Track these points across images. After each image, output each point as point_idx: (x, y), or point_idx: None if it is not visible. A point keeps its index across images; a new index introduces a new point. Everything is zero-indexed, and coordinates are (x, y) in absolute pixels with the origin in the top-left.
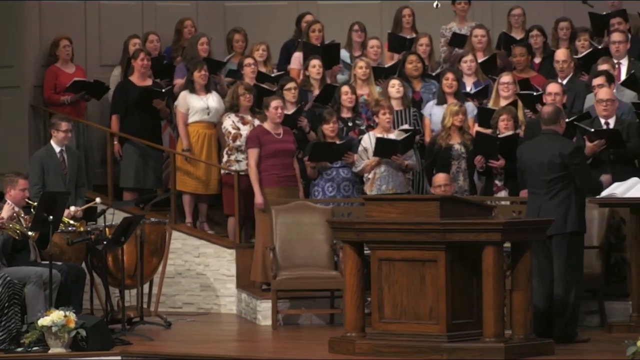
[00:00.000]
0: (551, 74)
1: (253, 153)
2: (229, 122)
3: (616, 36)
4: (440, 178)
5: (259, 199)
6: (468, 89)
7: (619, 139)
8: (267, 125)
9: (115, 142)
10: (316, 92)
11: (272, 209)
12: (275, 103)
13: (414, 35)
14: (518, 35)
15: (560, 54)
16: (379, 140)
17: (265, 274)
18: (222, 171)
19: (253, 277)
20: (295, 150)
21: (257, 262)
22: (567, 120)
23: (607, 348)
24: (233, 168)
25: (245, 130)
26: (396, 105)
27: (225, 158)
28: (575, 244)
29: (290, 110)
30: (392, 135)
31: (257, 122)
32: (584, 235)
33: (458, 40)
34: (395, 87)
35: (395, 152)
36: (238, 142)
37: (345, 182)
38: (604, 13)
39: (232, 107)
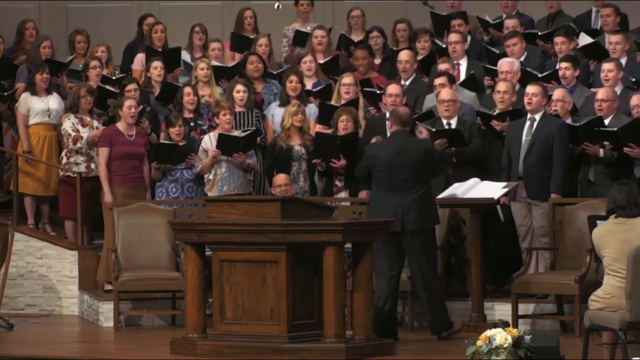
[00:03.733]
0: (391, 75)
1: (103, 152)
2: (69, 124)
3: (453, 37)
4: (280, 178)
5: (108, 198)
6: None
7: (461, 138)
8: (120, 126)
9: None
10: (157, 93)
11: (114, 210)
12: (128, 103)
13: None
14: (358, 36)
15: (403, 54)
16: (221, 137)
17: (109, 274)
18: (60, 173)
19: (99, 277)
20: (146, 153)
21: (103, 263)
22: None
23: (447, 348)
24: (74, 170)
25: (85, 132)
26: (238, 107)
27: (64, 160)
28: (434, 237)
29: None
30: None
31: (95, 124)
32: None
33: (302, 39)
34: (240, 93)
35: (237, 150)
36: (79, 144)
37: (189, 183)
38: (445, 14)
39: (72, 108)
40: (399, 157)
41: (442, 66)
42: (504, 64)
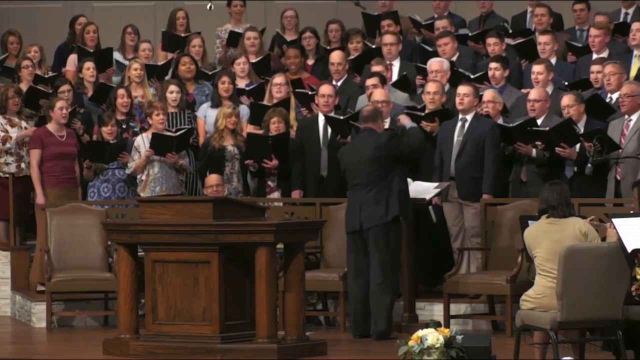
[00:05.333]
0: (324, 75)
1: (35, 154)
2: None
3: (388, 38)
4: (212, 179)
5: (40, 199)
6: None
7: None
8: (50, 127)
9: None
10: (90, 94)
11: (46, 211)
12: (60, 104)
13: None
14: (291, 37)
15: (335, 55)
16: (154, 136)
17: (43, 275)
18: None
19: (32, 278)
20: (77, 153)
21: (36, 264)
22: (342, 118)
23: (378, 348)
24: (4, 170)
25: (14, 132)
26: (171, 107)
27: None
28: (395, 234)
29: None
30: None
31: (24, 124)
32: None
33: (235, 39)
34: (173, 93)
35: (170, 150)
36: (8, 145)
37: (120, 183)
38: (376, 14)
39: (0, 109)
40: (355, 156)
41: (376, 68)
42: (433, 63)
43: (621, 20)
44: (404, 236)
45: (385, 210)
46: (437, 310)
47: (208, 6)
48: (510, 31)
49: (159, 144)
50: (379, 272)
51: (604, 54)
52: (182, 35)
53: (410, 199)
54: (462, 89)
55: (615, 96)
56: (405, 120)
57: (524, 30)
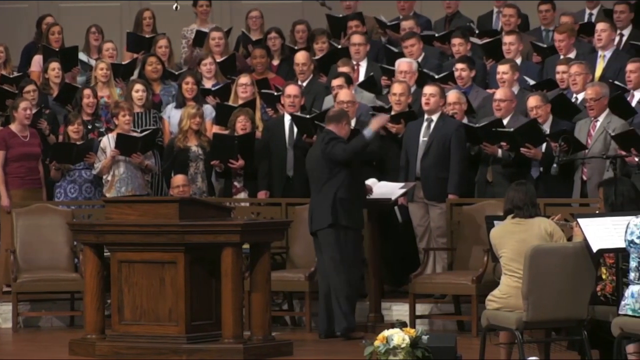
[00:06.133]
0: (290, 76)
1: None
2: None
3: (356, 38)
4: (178, 179)
5: (5, 201)
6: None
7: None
8: (14, 127)
9: None
10: (55, 94)
11: (12, 212)
12: (24, 104)
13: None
14: (256, 37)
15: (300, 56)
16: (119, 137)
17: (9, 276)
18: None
19: None
20: (41, 153)
21: (2, 264)
22: (308, 117)
23: (344, 348)
24: None
25: None
26: (137, 107)
27: None
28: (346, 235)
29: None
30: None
31: None
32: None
33: (202, 39)
34: (139, 92)
35: (136, 150)
36: None
37: (87, 184)
38: (341, 15)
39: None
40: (310, 157)
41: (343, 68)
42: (402, 64)
43: (586, 20)
44: (370, 236)
45: (328, 214)
46: (402, 311)
47: (174, 6)
48: (477, 31)
49: (125, 145)
50: (331, 272)
51: (571, 55)
52: (149, 35)
53: (359, 205)
54: (428, 90)
55: (580, 96)
56: (372, 125)
57: (490, 30)
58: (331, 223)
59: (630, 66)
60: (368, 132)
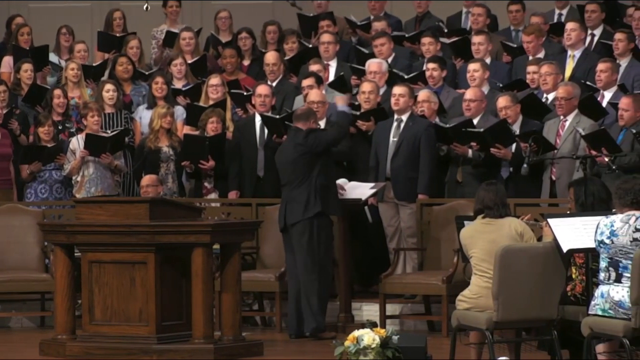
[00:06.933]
0: (260, 76)
1: None
2: None
3: (325, 37)
4: (148, 179)
5: None
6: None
7: None
8: None
9: None
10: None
11: None
12: None
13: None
14: (225, 38)
15: (269, 56)
16: (88, 137)
17: None
18: None
19: None
20: (12, 154)
21: None
22: (277, 117)
23: (314, 348)
24: None
25: None
26: (108, 108)
27: None
28: (320, 230)
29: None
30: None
31: None
32: (331, 226)
33: (172, 40)
34: (109, 92)
35: (105, 150)
36: None
37: (57, 185)
38: (312, 15)
39: None
40: (281, 156)
41: (314, 67)
42: (372, 64)
43: (555, 20)
44: (340, 236)
45: (305, 206)
46: (373, 311)
47: (144, 7)
48: (446, 30)
49: (94, 145)
50: (303, 270)
51: (540, 55)
52: (119, 35)
53: (335, 193)
54: (398, 90)
55: (551, 96)
56: (340, 102)
57: (459, 29)
58: (316, 213)
59: (600, 66)
60: (342, 107)
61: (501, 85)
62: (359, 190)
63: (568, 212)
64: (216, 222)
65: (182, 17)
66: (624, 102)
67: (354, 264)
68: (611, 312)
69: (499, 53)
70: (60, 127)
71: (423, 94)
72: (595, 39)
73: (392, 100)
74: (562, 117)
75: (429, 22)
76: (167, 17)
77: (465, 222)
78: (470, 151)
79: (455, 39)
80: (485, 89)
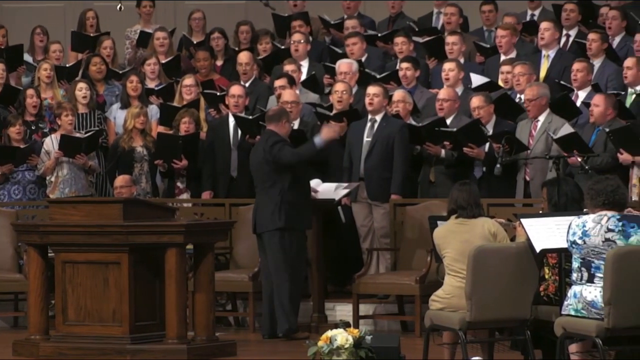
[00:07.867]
0: (234, 76)
1: None
2: None
3: (296, 37)
4: (121, 180)
5: None
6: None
7: (304, 139)
8: None
9: None
10: None
11: None
12: None
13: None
14: (198, 38)
15: (242, 57)
16: (63, 138)
17: None
18: None
19: None
20: None
21: None
22: (250, 117)
23: (288, 348)
24: None
25: None
26: (81, 108)
27: None
28: (291, 239)
29: None
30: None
31: None
32: (302, 232)
33: (146, 40)
34: (82, 91)
35: (79, 151)
36: None
37: (31, 185)
38: (286, 15)
39: None
40: (253, 157)
41: (288, 67)
42: (342, 65)
43: (528, 19)
44: (313, 236)
45: (271, 218)
46: (346, 311)
47: (118, 7)
48: (417, 29)
49: (68, 146)
50: (274, 274)
51: (512, 55)
52: (92, 35)
53: (306, 208)
54: (372, 90)
55: (524, 96)
56: (324, 132)
57: (430, 28)
58: (278, 227)
59: (577, 65)
60: (319, 140)
61: (472, 87)
62: (332, 190)
63: (540, 212)
64: (190, 223)
65: (155, 17)
66: (596, 98)
67: (327, 264)
68: (584, 312)
69: (472, 53)
70: (33, 128)
71: (398, 94)
72: (571, 39)
73: (367, 100)
74: (532, 118)
75: (402, 23)
76: (140, 17)
77: (439, 222)
78: (443, 151)
79: (428, 38)
80: (459, 89)
